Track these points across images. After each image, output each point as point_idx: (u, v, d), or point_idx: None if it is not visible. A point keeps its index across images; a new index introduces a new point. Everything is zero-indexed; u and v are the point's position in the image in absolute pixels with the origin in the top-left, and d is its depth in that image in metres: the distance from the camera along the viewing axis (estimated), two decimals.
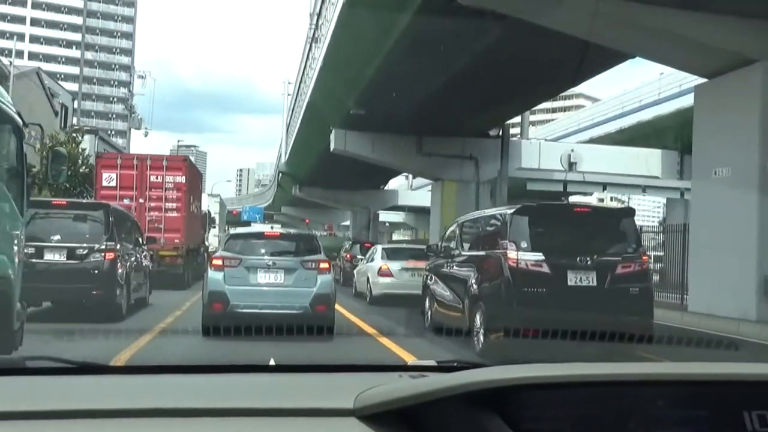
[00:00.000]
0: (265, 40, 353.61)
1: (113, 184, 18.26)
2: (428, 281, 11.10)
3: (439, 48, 16.20)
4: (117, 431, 1.45)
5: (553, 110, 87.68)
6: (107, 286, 10.63)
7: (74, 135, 25.43)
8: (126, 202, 17.82)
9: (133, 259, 12.50)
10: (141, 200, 18.38)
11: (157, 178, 18.54)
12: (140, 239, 14.07)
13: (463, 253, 9.96)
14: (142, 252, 13.73)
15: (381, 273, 16.10)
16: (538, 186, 28.37)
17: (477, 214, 10.46)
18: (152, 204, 18.45)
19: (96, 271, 10.62)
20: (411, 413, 1.46)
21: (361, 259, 21.11)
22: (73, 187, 22.89)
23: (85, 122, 56.24)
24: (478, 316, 8.33)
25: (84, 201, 12.76)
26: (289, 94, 52.28)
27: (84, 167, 23.68)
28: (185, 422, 1.49)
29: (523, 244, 8.06)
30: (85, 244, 10.77)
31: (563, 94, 45.61)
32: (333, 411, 1.53)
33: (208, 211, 29.57)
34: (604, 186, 31.03)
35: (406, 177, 58.94)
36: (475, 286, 8.76)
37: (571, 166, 27.71)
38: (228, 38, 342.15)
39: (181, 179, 18.72)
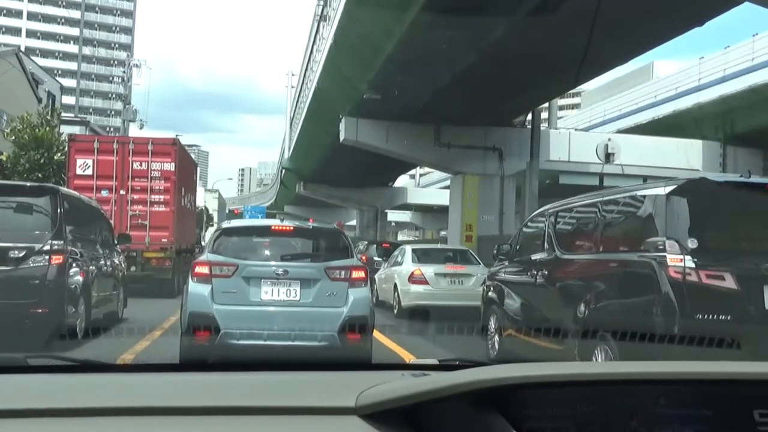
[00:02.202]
0: (267, 39, 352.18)
1: (89, 172, 15.44)
2: (492, 294, 8.08)
3: (470, 18, 13.82)
4: (119, 429, 1.46)
5: (560, 107, 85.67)
6: (53, 301, 7.71)
7: (49, 118, 22.76)
8: (104, 193, 15.23)
9: (100, 262, 9.69)
10: (122, 192, 15.54)
11: (141, 165, 15.66)
12: (110, 236, 11.15)
13: (562, 256, 6.81)
14: (114, 253, 10.91)
15: (413, 280, 13.10)
16: (571, 179, 25.96)
17: (590, 198, 6.87)
18: (135, 196, 15.58)
19: (37, 281, 7.67)
20: (413, 412, 1.45)
21: (379, 261, 18.49)
22: (46, 177, 20.28)
23: (83, 119, 53.99)
24: (599, 355, 5.33)
25: (23, 184, 9.77)
26: (292, 86, 50.83)
27: (60, 154, 21.09)
28: (187, 420, 1.49)
29: (691, 244, 4.97)
30: (21, 244, 7.76)
31: (570, 91, 43.67)
32: (335, 409, 1.53)
33: (205, 207, 27.17)
34: (645, 179, 28.59)
35: (412, 176, 57.52)
36: (590, 308, 5.74)
37: (608, 157, 25.57)
38: (229, 37, 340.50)
39: (170, 167, 15.83)
